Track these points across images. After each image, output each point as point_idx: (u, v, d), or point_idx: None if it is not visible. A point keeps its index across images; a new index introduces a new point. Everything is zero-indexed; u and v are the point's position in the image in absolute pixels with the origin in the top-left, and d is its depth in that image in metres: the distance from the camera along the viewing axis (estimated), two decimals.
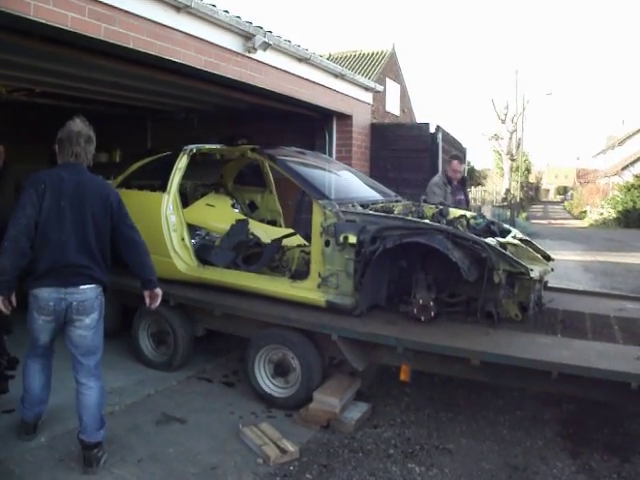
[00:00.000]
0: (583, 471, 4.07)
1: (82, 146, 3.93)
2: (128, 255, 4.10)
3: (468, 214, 6.09)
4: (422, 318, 4.78)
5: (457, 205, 7.03)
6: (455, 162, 7.74)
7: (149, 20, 5.17)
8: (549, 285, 5.85)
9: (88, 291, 3.86)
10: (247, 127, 9.22)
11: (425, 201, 6.50)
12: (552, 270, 5.26)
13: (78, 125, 3.98)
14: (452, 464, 4.13)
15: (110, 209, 3.91)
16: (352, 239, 4.83)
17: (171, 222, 5.88)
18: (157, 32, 5.28)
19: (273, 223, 7.44)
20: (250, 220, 6.79)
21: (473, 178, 31.76)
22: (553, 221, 34.00)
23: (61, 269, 3.77)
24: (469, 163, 28.33)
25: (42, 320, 3.84)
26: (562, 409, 5.09)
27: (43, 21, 4.30)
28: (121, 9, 4.88)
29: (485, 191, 35.49)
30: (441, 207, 6.21)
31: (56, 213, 3.74)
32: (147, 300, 4.19)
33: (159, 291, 4.19)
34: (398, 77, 24.08)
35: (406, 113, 24.88)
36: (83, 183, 3.87)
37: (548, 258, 5.45)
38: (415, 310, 4.81)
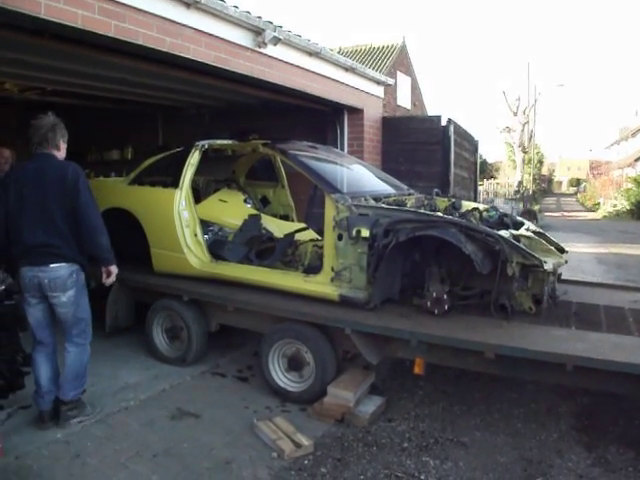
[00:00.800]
0: (599, 464, 4.05)
1: (42, 134, 4.31)
2: (81, 232, 4.31)
3: (481, 207, 6.07)
4: (436, 311, 4.78)
5: None
6: None
7: (159, 16, 5.17)
8: (563, 277, 5.82)
9: (59, 269, 4.27)
10: (258, 122, 9.26)
11: (438, 194, 6.48)
12: (566, 262, 5.22)
13: (41, 118, 4.36)
14: (466, 457, 4.13)
15: (66, 187, 4.21)
16: (365, 233, 4.82)
17: (184, 218, 5.89)
18: (167, 28, 5.28)
19: (285, 218, 7.44)
20: (262, 215, 6.79)
21: (485, 171, 31.63)
22: (566, 213, 33.80)
23: (31, 250, 4.23)
24: (481, 156, 28.25)
25: (29, 300, 4.34)
26: (577, 402, 5.07)
27: (54, 19, 4.32)
28: (131, 6, 4.88)
29: (498, 184, 35.37)
30: (454, 200, 6.19)
31: (19, 201, 4.22)
32: (104, 276, 4.53)
33: (114, 268, 4.51)
34: (409, 70, 23.99)
35: (417, 106, 24.79)
36: (42, 169, 4.28)
37: (562, 250, 5.42)
38: (429, 303, 4.81)
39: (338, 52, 14.06)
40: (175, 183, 5.97)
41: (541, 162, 53.47)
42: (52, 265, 4.23)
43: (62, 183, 4.22)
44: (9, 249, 4.30)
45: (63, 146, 4.48)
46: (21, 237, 4.24)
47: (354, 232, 4.85)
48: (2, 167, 6.40)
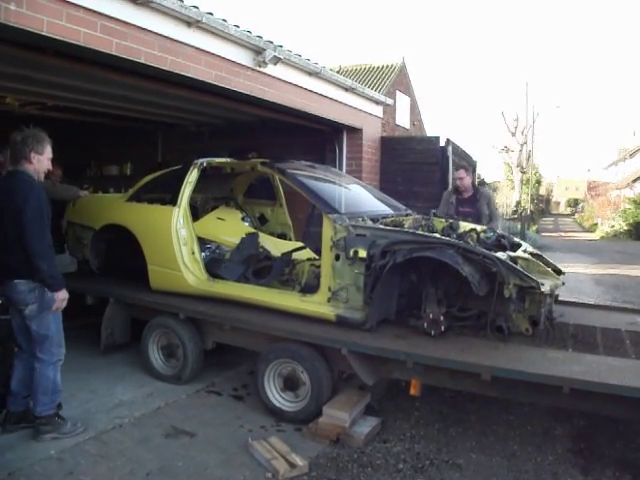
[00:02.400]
0: None
1: (16, 149, 4.36)
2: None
3: (479, 228, 6.08)
4: (432, 332, 4.77)
5: (461, 217, 6.93)
6: (460, 171, 7.64)
7: (160, 35, 5.20)
8: (560, 298, 5.82)
9: (18, 285, 4.36)
10: (257, 140, 9.29)
11: (435, 215, 6.49)
12: (563, 284, 5.24)
13: (16, 133, 4.38)
14: (462, 479, 4.11)
15: (15, 205, 4.23)
16: (362, 253, 4.82)
17: (181, 236, 5.90)
18: (168, 47, 5.32)
19: (283, 236, 7.45)
20: (260, 233, 6.80)
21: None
22: (564, 234, 33.86)
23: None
24: (479, 176, 28.26)
25: (11, 312, 4.56)
26: (573, 424, 5.05)
27: (56, 37, 4.35)
28: (133, 24, 4.92)
29: (496, 204, 35.44)
30: (451, 221, 6.21)
31: None
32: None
33: (61, 294, 4.44)
34: (408, 90, 24.10)
35: (416, 126, 24.89)
36: (4, 187, 4.38)
37: (559, 272, 5.42)
38: (425, 324, 4.80)
39: (338, 71, 14.16)
40: (173, 201, 5.98)
41: (539, 182, 53.57)
42: (14, 281, 4.37)
43: (13, 200, 4.25)
44: None
45: (36, 157, 4.39)
46: None
47: (351, 252, 4.85)
48: None
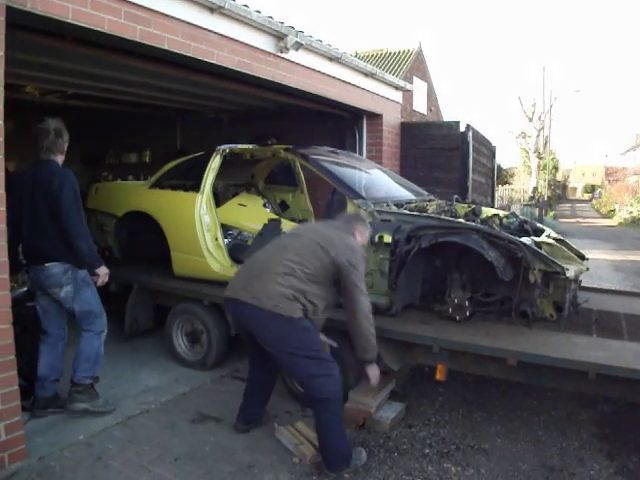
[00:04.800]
0: (621, 473, 4.03)
1: (51, 140, 4.57)
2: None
3: (501, 213, 6.07)
4: (457, 317, 4.78)
5: None
6: None
7: (184, 21, 5.19)
8: (582, 285, 5.80)
9: (52, 268, 4.52)
10: (276, 126, 9.26)
11: (457, 200, 6.48)
12: (587, 269, 5.21)
13: (47, 122, 4.62)
14: (488, 464, 4.12)
15: (51, 192, 4.43)
16: (387, 239, 4.83)
17: (205, 222, 5.93)
18: (192, 33, 5.31)
19: (304, 222, 7.44)
20: (282, 219, 6.80)
21: (500, 177, 31.47)
22: (581, 219, 33.64)
23: (29, 251, 4.59)
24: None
25: (36, 294, 4.72)
26: (597, 410, 5.05)
27: (81, 24, 4.34)
28: (156, 11, 4.91)
29: (512, 190, 35.23)
30: (474, 206, 6.19)
31: (20, 206, 4.47)
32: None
33: (101, 270, 4.74)
34: (425, 75, 24.00)
35: (433, 111, 24.79)
36: (37, 175, 4.53)
37: (583, 257, 5.40)
38: (450, 309, 4.81)
39: (355, 57, 14.05)
40: (196, 187, 6.00)
41: (556, 168, 53.18)
42: (45, 265, 4.53)
43: (49, 187, 4.43)
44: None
45: (65, 149, 4.72)
46: (23, 240, 4.57)
47: (376, 238, 4.85)
48: None
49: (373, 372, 4.22)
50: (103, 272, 4.72)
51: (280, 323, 3.81)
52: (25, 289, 4.79)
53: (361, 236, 4.37)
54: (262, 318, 3.86)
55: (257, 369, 4.47)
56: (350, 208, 5.10)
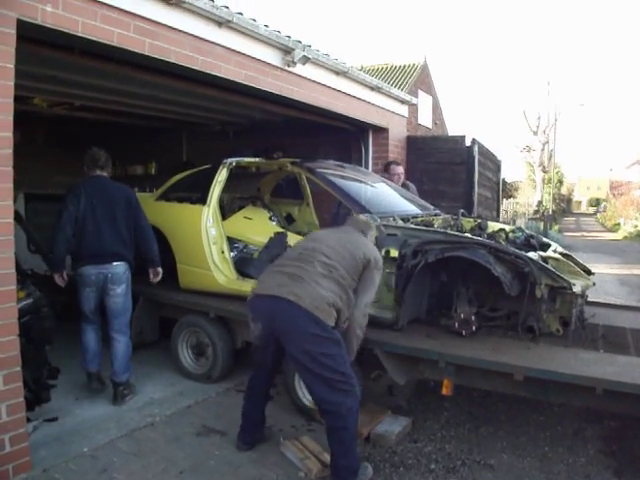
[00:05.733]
0: None
1: (104, 160, 5.50)
2: (140, 240, 5.48)
3: (507, 228, 6.06)
4: (463, 332, 4.77)
5: None
6: (392, 165, 7.75)
7: (191, 35, 5.21)
8: (588, 300, 5.78)
9: (118, 267, 5.28)
10: (282, 140, 9.28)
11: (464, 214, 6.48)
12: (594, 284, 5.20)
13: (98, 150, 5.54)
14: None
15: (132, 206, 5.42)
16: (394, 253, 4.83)
17: (211, 235, 5.94)
18: (199, 47, 5.33)
19: (312, 233, 7.43)
20: (288, 233, 6.80)
21: (505, 190, 31.48)
22: (586, 233, 33.59)
23: (98, 251, 5.22)
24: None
25: (88, 293, 5.26)
26: (604, 425, 5.02)
27: (90, 37, 4.36)
28: (165, 24, 4.93)
29: (517, 203, 35.25)
30: (479, 221, 6.18)
31: (91, 210, 5.20)
32: (151, 276, 5.56)
33: (160, 269, 5.57)
34: (430, 89, 24.08)
35: (438, 125, 24.85)
36: (107, 187, 5.40)
37: (589, 272, 5.39)
38: (456, 324, 4.80)
39: (360, 71, 14.10)
40: (203, 200, 6.02)
41: (561, 182, 53.22)
42: (112, 264, 5.22)
43: (129, 202, 5.38)
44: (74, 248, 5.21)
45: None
46: (89, 240, 5.17)
47: (383, 252, 4.85)
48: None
49: None
50: (161, 270, 5.59)
51: (316, 328, 3.79)
52: (31, 300, 4.79)
53: (372, 239, 4.57)
54: (298, 317, 3.80)
55: (261, 386, 4.43)
56: None
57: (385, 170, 7.80)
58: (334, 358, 3.82)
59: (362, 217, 4.79)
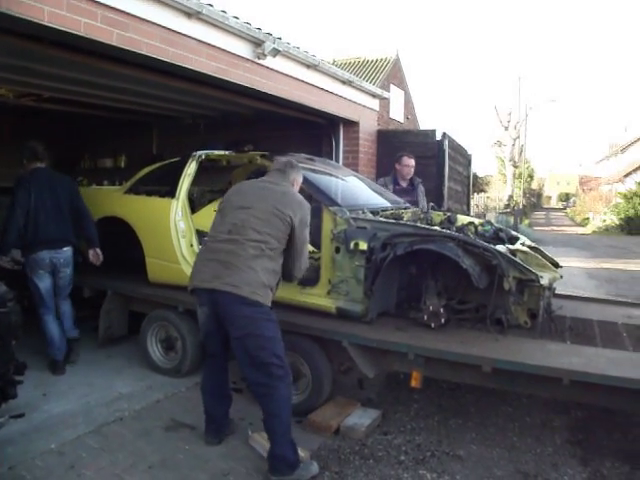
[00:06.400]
0: (594, 478, 4.07)
1: (41, 152, 5.84)
2: (82, 224, 6.01)
3: (476, 221, 6.10)
4: (432, 325, 4.78)
5: None
6: (404, 157, 7.57)
7: (161, 26, 5.18)
8: (556, 292, 5.84)
9: (68, 251, 5.87)
10: (253, 133, 9.26)
11: (433, 208, 6.50)
12: (561, 277, 5.25)
13: (34, 142, 5.90)
14: (463, 470, 4.13)
15: (73, 193, 5.96)
16: (363, 246, 4.82)
17: (180, 228, 5.90)
18: (169, 38, 5.29)
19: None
20: None
21: (476, 185, 31.72)
22: (556, 228, 33.99)
23: (48, 237, 5.72)
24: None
25: (42, 275, 5.73)
26: (571, 416, 5.09)
27: (56, 27, 4.31)
28: (134, 15, 4.89)
29: (488, 197, 35.51)
30: (449, 214, 6.21)
31: (40, 201, 5.64)
32: (91, 257, 6.02)
33: (99, 250, 6.03)
34: (402, 84, 24.12)
35: (410, 120, 24.91)
36: (51, 178, 5.84)
37: (557, 265, 5.44)
38: (425, 317, 4.81)
39: (332, 64, 14.09)
40: (172, 193, 5.97)
41: (531, 177, 53.73)
42: (63, 248, 5.78)
43: (71, 191, 5.92)
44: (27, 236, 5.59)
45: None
46: (42, 229, 5.61)
47: (352, 245, 4.85)
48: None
49: None
50: (99, 251, 6.03)
51: (255, 311, 3.87)
52: None
53: (297, 185, 4.56)
54: (236, 304, 3.87)
55: (215, 378, 4.43)
56: (326, 215, 5.09)
57: (396, 161, 7.67)
58: (271, 340, 3.90)
59: (282, 158, 4.77)
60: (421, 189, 7.70)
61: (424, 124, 27.54)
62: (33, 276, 5.70)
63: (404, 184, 7.54)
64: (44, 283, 5.73)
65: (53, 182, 5.79)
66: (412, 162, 7.60)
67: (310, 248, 6.07)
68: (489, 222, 6.14)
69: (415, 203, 7.21)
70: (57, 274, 5.81)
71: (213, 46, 5.85)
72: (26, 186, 5.60)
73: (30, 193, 5.58)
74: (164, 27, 5.21)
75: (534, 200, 61.98)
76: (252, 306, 3.86)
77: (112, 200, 6.62)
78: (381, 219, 5.12)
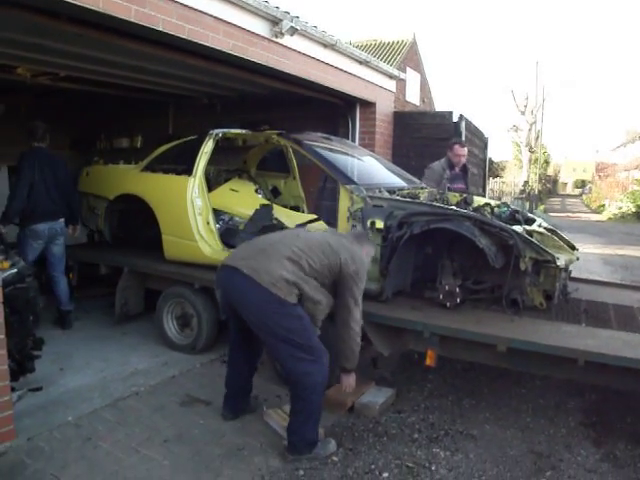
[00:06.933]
0: (607, 459, 4.06)
1: (42, 133, 6.30)
2: (71, 200, 6.61)
3: (492, 202, 6.07)
4: (448, 304, 4.79)
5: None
6: (457, 146, 7.47)
7: (179, 3, 5.15)
8: (571, 275, 5.82)
9: (62, 222, 6.46)
10: (269, 113, 9.24)
11: (449, 189, 6.47)
12: (578, 259, 5.22)
13: (37, 123, 6.34)
14: (477, 449, 4.15)
15: (65, 172, 6.52)
16: (379, 224, 4.83)
17: (197, 205, 5.90)
18: (187, 15, 5.27)
19: (296, 209, 7.43)
20: (274, 205, 6.79)
21: (491, 170, 31.55)
22: (571, 214, 33.72)
23: (46, 211, 6.28)
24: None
25: (34, 246, 6.24)
26: (585, 398, 5.08)
27: (74, 2, 4.29)
28: None
29: (503, 183, 35.34)
30: (465, 195, 6.19)
31: (41, 177, 6.17)
32: (71, 231, 6.72)
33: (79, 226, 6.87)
34: (418, 66, 23.94)
35: (426, 103, 24.74)
36: (50, 157, 6.37)
37: (573, 247, 5.41)
38: (441, 296, 4.82)
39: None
40: (189, 171, 5.98)
41: (547, 162, 53.38)
42: (59, 220, 6.41)
43: (64, 170, 6.47)
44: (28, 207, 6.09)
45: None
46: (42, 202, 6.15)
47: (368, 223, 4.86)
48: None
49: (348, 381, 4.22)
50: (80, 226, 6.94)
51: (273, 304, 3.73)
52: (15, 270, 4.77)
53: (367, 257, 4.33)
54: (251, 291, 3.77)
55: (238, 354, 4.39)
56: (343, 193, 5.09)
57: (448, 148, 7.55)
58: (297, 332, 3.78)
59: (359, 231, 4.80)
60: (468, 172, 7.77)
61: (440, 107, 27.35)
62: (26, 247, 6.15)
63: (457, 169, 7.50)
64: (34, 254, 6.21)
65: (52, 161, 6.34)
66: (464, 151, 7.50)
67: (325, 227, 6.09)
68: (505, 204, 6.12)
69: (466, 189, 7.27)
70: (53, 242, 6.37)
71: (230, 23, 5.81)
72: (31, 162, 6.12)
73: (34, 168, 6.09)
74: (181, 3, 5.18)
75: (550, 186, 61.63)
76: (269, 298, 3.72)
77: (129, 178, 6.64)
78: (398, 198, 5.11)
